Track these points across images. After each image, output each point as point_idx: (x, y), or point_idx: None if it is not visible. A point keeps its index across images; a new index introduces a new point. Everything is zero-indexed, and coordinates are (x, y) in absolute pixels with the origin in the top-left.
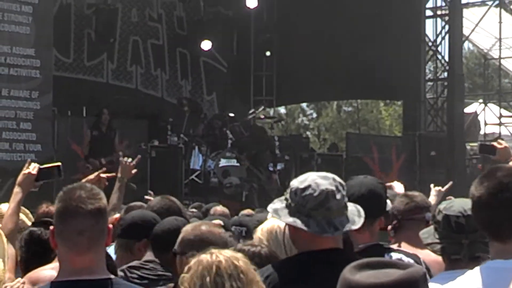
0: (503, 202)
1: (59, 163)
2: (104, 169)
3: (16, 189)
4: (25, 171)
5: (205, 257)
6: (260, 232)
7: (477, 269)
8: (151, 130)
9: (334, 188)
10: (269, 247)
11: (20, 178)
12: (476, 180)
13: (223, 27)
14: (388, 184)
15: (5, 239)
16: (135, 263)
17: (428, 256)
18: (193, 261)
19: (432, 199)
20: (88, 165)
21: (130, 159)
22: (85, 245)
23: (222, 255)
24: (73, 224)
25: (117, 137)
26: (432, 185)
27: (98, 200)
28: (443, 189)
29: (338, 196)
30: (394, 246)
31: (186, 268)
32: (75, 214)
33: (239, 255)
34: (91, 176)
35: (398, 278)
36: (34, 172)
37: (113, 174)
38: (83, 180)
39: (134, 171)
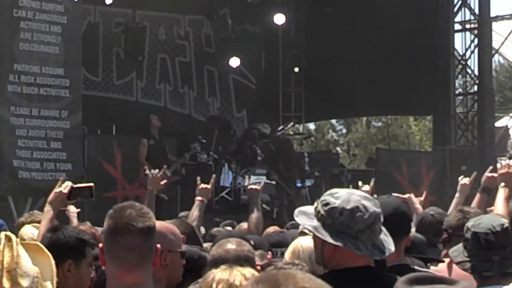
0: None
1: (92, 184)
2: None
3: (47, 207)
4: (56, 189)
5: (214, 272)
6: (286, 254)
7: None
8: (180, 147)
9: (379, 210)
10: (310, 265)
11: (51, 196)
12: None
13: (251, 44)
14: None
15: (53, 261)
16: None
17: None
18: (204, 276)
19: (457, 197)
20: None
21: (157, 171)
22: (135, 262)
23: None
24: (123, 242)
25: (168, 146)
26: (460, 178)
27: (148, 218)
28: (468, 182)
29: (381, 219)
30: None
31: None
32: (125, 232)
33: (246, 274)
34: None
35: None
36: (65, 191)
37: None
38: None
39: (163, 182)
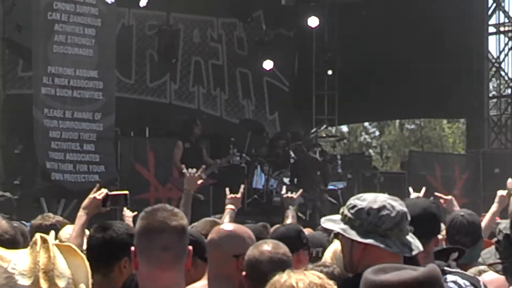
0: None
1: (127, 192)
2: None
3: (81, 212)
4: (91, 195)
5: (279, 278)
6: (327, 253)
7: None
8: (213, 149)
9: (406, 210)
10: (340, 267)
11: (86, 201)
12: None
13: (284, 46)
14: (446, 198)
15: (87, 263)
16: None
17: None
18: (270, 282)
19: (495, 206)
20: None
21: (194, 170)
22: (170, 261)
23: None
24: (159, 241)
25: (205, 149)
26: (499, 191)
27: (180, 218)
28: (505, 194)
29: (408, 218)
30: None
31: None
32: (160, 230)
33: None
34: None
35: (420, 274)
36: (100, 197)
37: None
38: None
39: (199, 181)
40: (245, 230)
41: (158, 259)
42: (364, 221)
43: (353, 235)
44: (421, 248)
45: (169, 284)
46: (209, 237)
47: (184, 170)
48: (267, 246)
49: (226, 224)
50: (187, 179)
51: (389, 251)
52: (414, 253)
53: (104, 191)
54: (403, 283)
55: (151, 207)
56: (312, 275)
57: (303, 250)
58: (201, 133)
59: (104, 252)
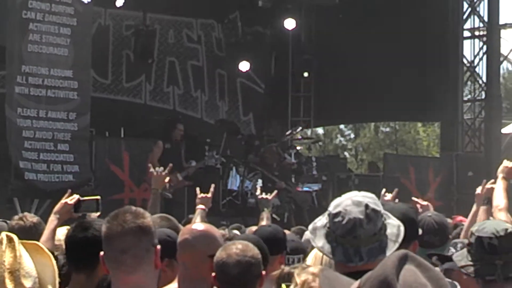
0: None
1: (99, 197)
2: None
3: (52, 217)
4: (63, 200)
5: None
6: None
7: None
8: (189, 151)
9: (363, 216)
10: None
11: (57, 206)
12: None
13: (261, 48)
14: (423, 203)
15: (54, 261)
16: None
17: None
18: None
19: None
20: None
21: (161, 168)
22: (131, 263)
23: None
24: (116, 244)
25: (183, 151)
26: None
27: (141, 218)
28: (481, 192)
29: (367, 226)
30: None
31: None
32: (117, 234)
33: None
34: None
35: None
36: (71, 202)
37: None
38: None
39: (167, 179)
40: (215, 229)
41: (119, 262)
42: (327, 223)
43: (317, 236)
44: (382, 256)
45: (135, 285)
46: (181, 237)
47: (151, 169)
48: (236, 248)
49: (197, 224)
50: (154, 178)
51: (330, 257)
52: (362, 263)
53: (75, 196)
54: None
55: (115, 211)
56: None
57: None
58: (181, 135)
59: (86, 252)
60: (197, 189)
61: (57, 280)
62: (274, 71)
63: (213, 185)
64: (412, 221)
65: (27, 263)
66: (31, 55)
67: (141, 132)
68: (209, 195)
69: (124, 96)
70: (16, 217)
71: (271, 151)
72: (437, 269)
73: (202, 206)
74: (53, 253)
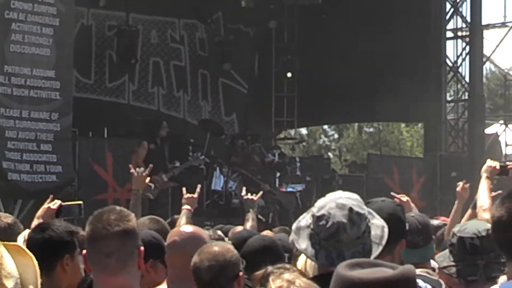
0: None
1: (81, 202)
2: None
3: (35, 221)
4: (45, 205)
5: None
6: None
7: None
8: (172, 151)
9: (346, 221)
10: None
11: (40, 211)
12: (498, 201)
13: (244, 48)
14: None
15: (35, 262)
16: None
17: None
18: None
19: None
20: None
21: (142, 169)
22: (115, 267)
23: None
24: (100, 247)
25: (167, 151)
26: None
27: (125, 222)
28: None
29: (350, 230)
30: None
31: None
32: (101, 237)
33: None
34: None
35: (397, 273)
36: (54, 207)
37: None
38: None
39: (147, 180)
40: (203, 231)
41: (102, 265)
42: (312, 225)
43: (300, 237)
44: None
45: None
46: (169, 239)
47: (132, 170)
48: (209, 253)
49: (185, 226)
50: (134, 178)
51: (313, 260)
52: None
53: (58, 202)
54: (377, 281)
55: (99, 210)
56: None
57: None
58: (166, 134)
59: (44, 252)
60: (183, 190)
61: (39, 280)
62: (258, 71)
63: (199, 186)
64: (399, 220)
65: (9, 264)
66: (14, 55)
67: (124, 132)
68: (195, 195)
69: (107, 96)
70: None
71: (254, 151)
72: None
73: (188, 207)
74: None
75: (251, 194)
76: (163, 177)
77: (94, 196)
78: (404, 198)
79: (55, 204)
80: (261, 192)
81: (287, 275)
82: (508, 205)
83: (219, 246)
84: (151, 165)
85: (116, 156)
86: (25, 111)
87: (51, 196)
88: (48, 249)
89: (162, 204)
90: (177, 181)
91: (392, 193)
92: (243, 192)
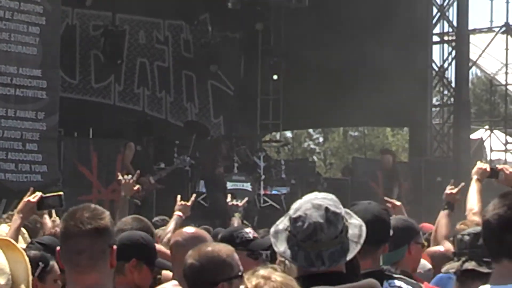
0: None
1: (61, 193)
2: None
3: (15, 216)
4: (25, 198)
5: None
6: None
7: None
8: (157, 152)
9: (323, 221)
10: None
11: (20, 205)
12: (493, 201)
13: (230, 50)
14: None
15: (27, 258)
16: None
17: None
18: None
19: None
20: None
21: (130, 176)
22: (86, 264)
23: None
24: (72, 244)
25: (153, 152)
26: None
27: (98, 220)
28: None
29: (327, 229)
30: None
31: None
32: (73, 234)
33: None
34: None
35: None
36: (34, 200)
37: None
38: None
39: (136, 187)
40: (205, 232)
41: (74, 262)
42: (289, 227)
43: (279, 240)
44: (342, 261)
45: (89, 285)
46: (173, 240)
47: (120, 177)
48: (196, 256)
49: (188, 228)
50: (123, 185)
51: (292, 263)
52: (323, 268)
53: (38, 194)
54: None
55: (73, 208)
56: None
57: None
58: (152, 136)
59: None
60: (178, 197)
61: (30, 277)
62: (243, 73)
63: (194, 195)
64: (383, 222)
65: (0, 260)
66: (0, 53)
67: (109, 132)
68: (189, 203)
69: (93, 96)
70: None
71: (239, 153)
72: None
73: (180, 213)
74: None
75: (236, 200)
76: (150, 179)
77: (78, 197)
78: (398, 202)
79: (35, 196)
80: (246, 198)
81: (261, 272)
82: (502, 207)
83: (212, 246)
84: (138, 171)
85: (101, 157)
86: (11, 110)
87: (32, 188)
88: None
89: (147, 206)
90: (162, 183)
91: (386, 198)
92: (228, 199)
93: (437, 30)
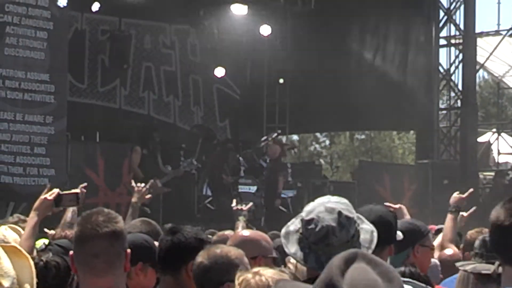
0: None
1: (78, 190)
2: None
3: (32, 214)
4: (42, 196)
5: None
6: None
7: None
8: (163, 156)
9: (335, 224)
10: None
11: (37, 203)
12: (499, 204)
13: (237, 54)
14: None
15: (31, 263)
16: None
17: None
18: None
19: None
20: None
21: (143, 184)
22: (101, 267)
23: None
24: (88, 248)
25: (160, 156)
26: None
27: (113, 223)
28: (457, 197)
29: (339, 233)
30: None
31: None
32: (90, 238)
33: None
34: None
35: None
36: (50, 198)
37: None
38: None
39: (148, 196)
40: (260, 234)
41: (90, 265)
42: (301, 229)
43: (290, 242)
44: None
45: None
46: (229, 243)
47: (133, 184)
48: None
49: (243, 231)
50: (136, 192)
51: (302, 264)
52: None
53: (55, 191)
54: None
55: (88, 211)
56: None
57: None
58: (159, 139)
59: (171, 255)
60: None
61: (35, 280)
62: (250, 77)
63: (151, 181)
64: (388, 224)
65: (5, 263)
66: (8, 58)
67: (116, 136)
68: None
69: (99, 100)
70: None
71: (245, 157)
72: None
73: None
74: (31, 252)
75: (241, 205)
76: (157, 183)
77: (85, 200)
78: (397, 205)
79: (52, 194)
80: (250, 203)
81: (254, 269)
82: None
83: (222, 248)
84: (151, 181)
85: (108, 160)
86: (19, 114)
87: (48, 185)
88: (175, 253)
89: (154, 210)
90: (168, 186)
91: (386, 203)
92: (233, 203)
93: (444, 33)
